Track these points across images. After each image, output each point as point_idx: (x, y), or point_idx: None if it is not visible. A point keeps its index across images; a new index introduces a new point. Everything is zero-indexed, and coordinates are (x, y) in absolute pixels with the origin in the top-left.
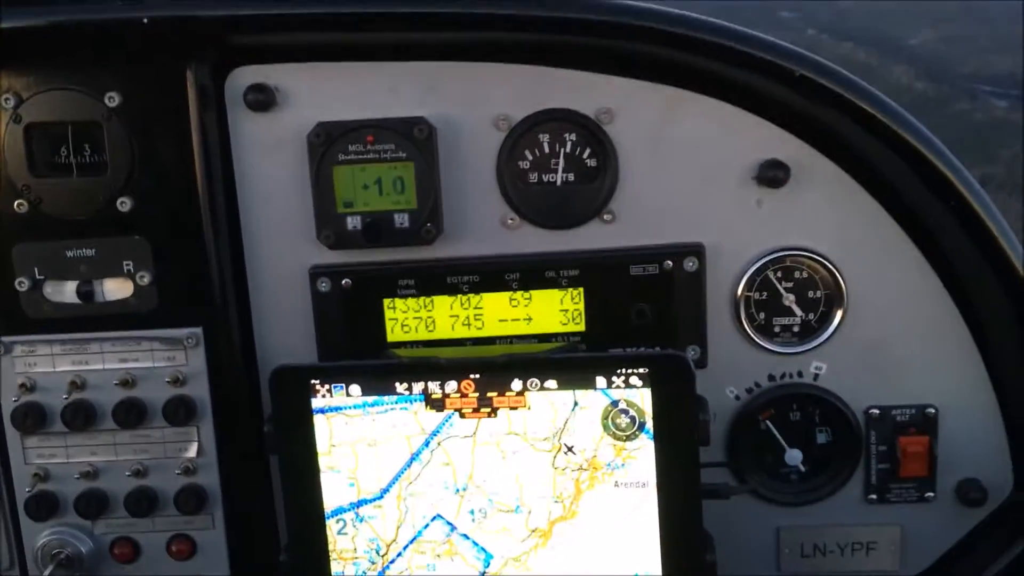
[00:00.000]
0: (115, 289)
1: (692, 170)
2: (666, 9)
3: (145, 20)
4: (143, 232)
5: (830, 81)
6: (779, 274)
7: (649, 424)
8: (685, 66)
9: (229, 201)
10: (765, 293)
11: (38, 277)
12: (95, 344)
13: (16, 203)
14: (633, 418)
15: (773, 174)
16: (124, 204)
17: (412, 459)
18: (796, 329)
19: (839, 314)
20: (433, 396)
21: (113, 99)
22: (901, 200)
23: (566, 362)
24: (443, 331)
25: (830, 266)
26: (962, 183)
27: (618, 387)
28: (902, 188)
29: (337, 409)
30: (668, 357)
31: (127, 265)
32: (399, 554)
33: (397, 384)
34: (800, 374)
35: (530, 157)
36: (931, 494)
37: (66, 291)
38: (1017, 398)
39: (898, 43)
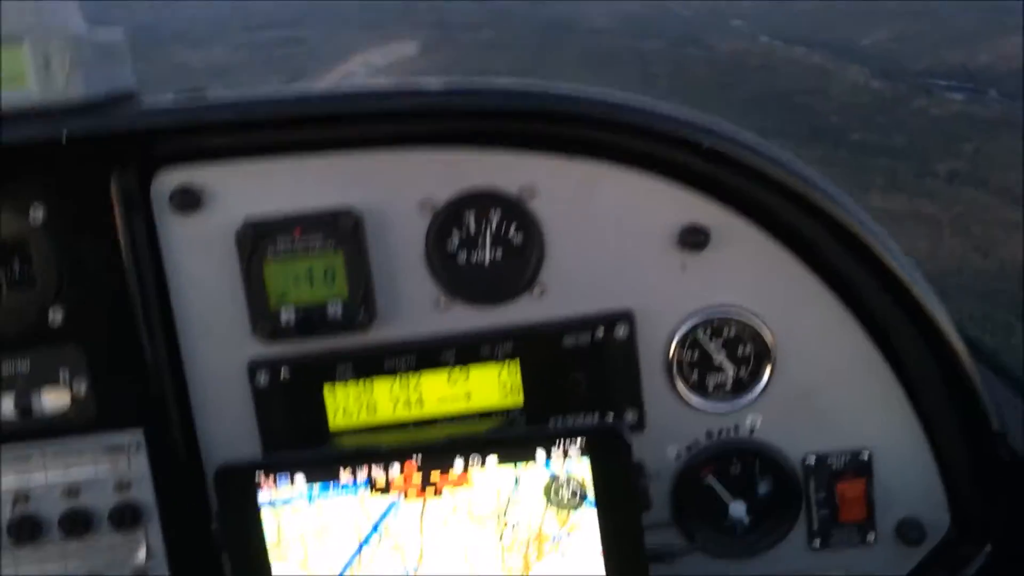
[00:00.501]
0: (53, 399)
1: (616, 239)
2: (577, 92)
3: (63, 140)
4: (77, 340)
5: (738, 151)
6: (708, 333)
7: (591, 494)
8: (601, 142)
9: (162, 302)
10: (696, 352)
11: None
12: (36, 456)
13: None
14: (575, 489)
15: (693, 238)
16: (56, 315)
17: (361, 546)
18: (729, 385)
19: (768, 368)
20: (377, 481)
21: (38, 213)
22: (816, 254)
23: (505, 439)
24: (385, 414)
25: (756, 322)
26: (869, 234)
27: (558, 459)
28: (815, 243)
29: (284, 502)
30: (603, 428)
31: (63, 374)
32: None
33: (341, 472)
34: (737, 428)
35: (457, 237)
36: (872, 536)
37: (3, 406)
38: (945, 435)
39: (850, 44)
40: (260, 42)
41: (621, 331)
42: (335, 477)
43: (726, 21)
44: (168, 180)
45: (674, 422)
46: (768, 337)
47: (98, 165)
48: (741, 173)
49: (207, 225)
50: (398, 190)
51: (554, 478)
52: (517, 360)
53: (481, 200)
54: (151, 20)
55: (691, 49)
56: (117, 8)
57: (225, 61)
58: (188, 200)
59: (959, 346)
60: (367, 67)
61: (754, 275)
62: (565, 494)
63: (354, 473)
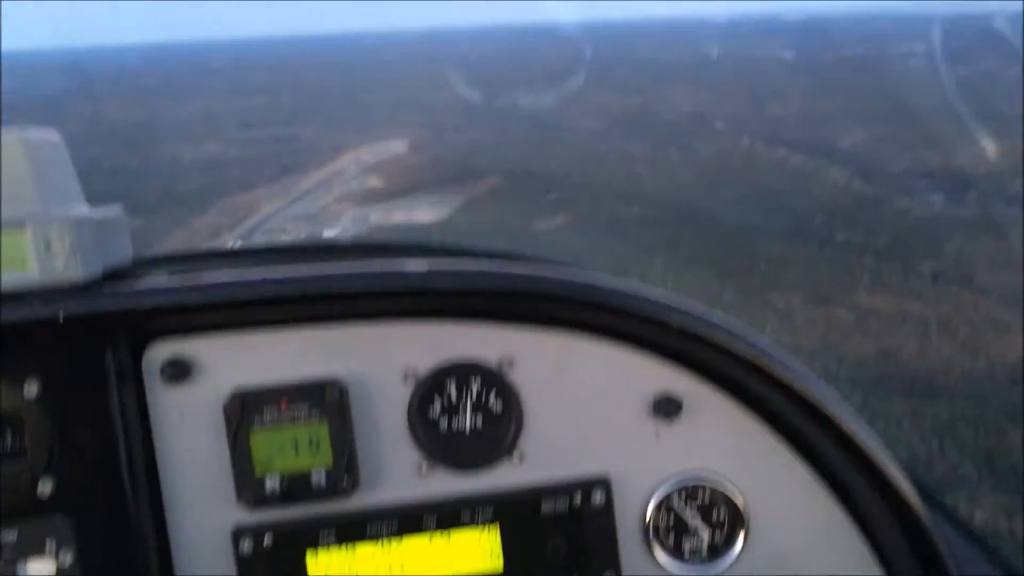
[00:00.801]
0: (39, 569)
1: (592, 408)
2: (554, 273)
3: (60, 320)
4: (65, 511)
5: (705, 330)
6: (683, 498)
7: None
8: (576, 317)
9: (150, 471)
10: (672, 517)
11: None
12: None
13: None
14: None
15: (666, 407)
16: (45, 487)
17: None
18: (705, 551)
19: (742, 532)
20: None
21: (32, 387)
22: (784, 423)
23: None
24: None
25: (729, 488)
26: (832, 406)
27: None
28: (783, 413)
29: None
30: None
31: (50, 545)
32: None
33: None
34: None
35: (439, 405)
36: None
37: None
38: None
39: (830, 146)
40: (253, 138)
41: (598, 497)
42: None
43: (709, 124)
44: (159, 352)
45: None
46: (740, 502)
47: (93, 341)
48: (709, 347)
49: (196, 395)
50: (382, 361)
51: None
52: (497, 525)
53: (462, 370)
54: (147, 115)
55: (674, 150)
56: (114, 104)
57: (218, 156)
58: (178, 372)
59: (920, 509)
60: (357, 164)
61: (726, 443)
62: None
63: None
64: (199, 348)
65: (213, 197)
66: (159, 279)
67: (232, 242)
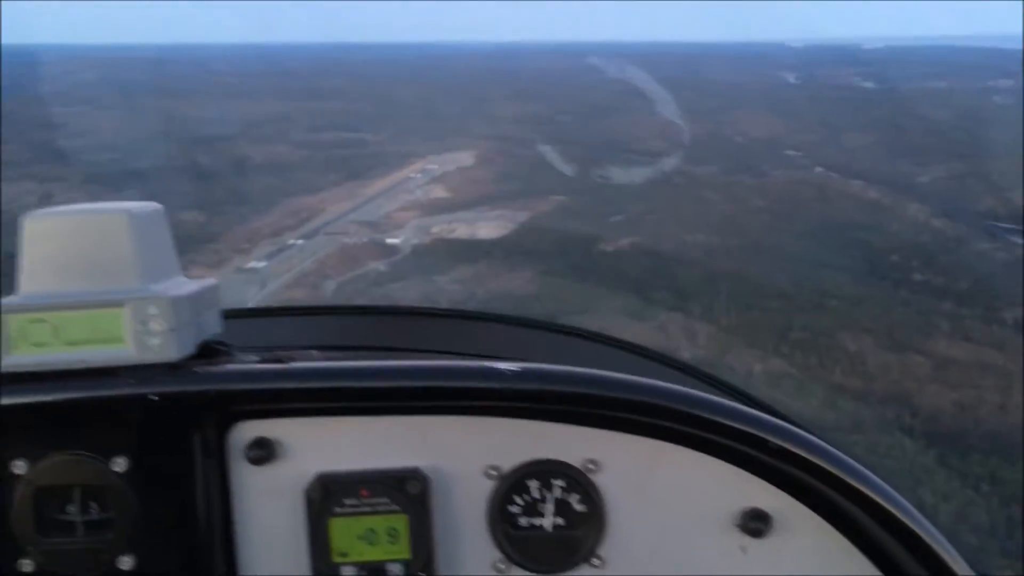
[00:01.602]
0: None
1: (677, 517)
2: (644, 381)
3: (155, 397)
4: None
5: (804, 450)
6: None
7: None
8: (667, 427)
9: (228, 550)
10: None
11: None
12: None
13: (21, 563)
14: None
15: (755, 523)
16: (126, 560)
17: None
18: None
19: None
20: None
21: (120, 463)
22: (871, 541)
23: None
24: None
25: None
26: (918, 524)
27: None
28: (869, 531)
29: None
30: None
31: None
32: None
33: None
34: None
35: (520, 504)
36: None
37: None
38: None
39: (909, 181)
40: (322, 142)
41: None
42: None
43: (781, 151)
44: (244, 432)
45: None
46: None
47: (182, 420)
48: (806, 471)
49: (278, 477)
50: (465, 455)
51: None
52: None
53: (546, 469)
54: (221, 115)
55: (744, 176)
56: (191, 102)
57: (285, 158)
58: (262, 453)
59: None
60: (423, 173)
61: (813, 560)
62: None
63: None
64: (284, 430)
65: (278, 198)
66: (249, 358)
67: (294, 242)
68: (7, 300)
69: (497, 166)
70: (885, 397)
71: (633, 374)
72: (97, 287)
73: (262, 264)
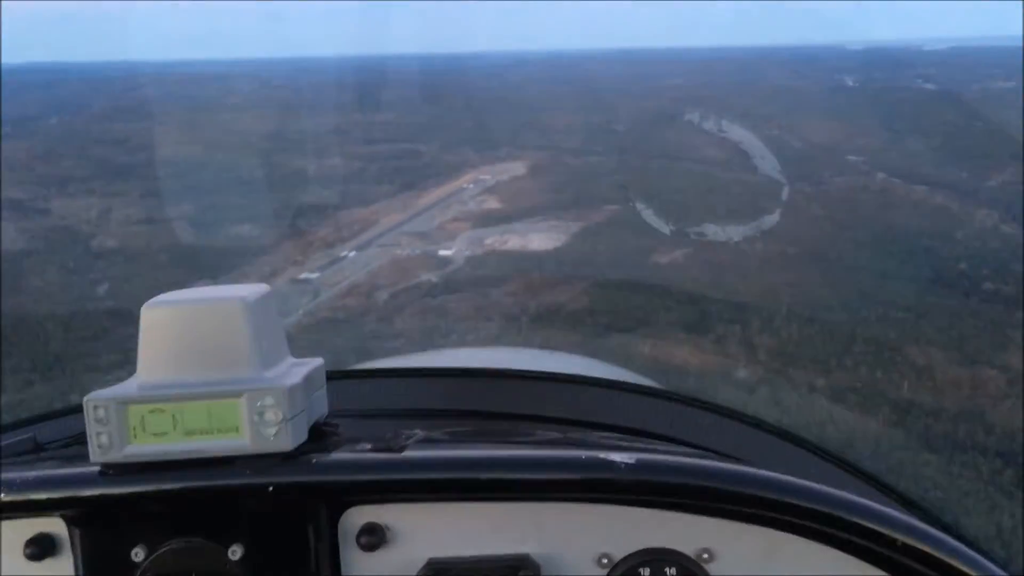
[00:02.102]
0: None
1: None
2: (760, 474)
3: (271, 488)
4: None
5: (932, 548)
6: None
7: None
8: (786, 519)
9: None
10: None
11: None
12: None
13: None
14: None
15: None
16: None
17: None
18: None
19: None
20: None
21: (236, 551)
22: None
23: None
24: None
25: None
26: None
27: None
28: None
29: None
30: None
31: None
32: None
33: None
34: None
35: None
36: None
37: None
38: None
39: (975, 185)
40: (376, 153)
41: None
42: None
43: (841, 156)
44: (356, 518)
45: None
46: None
47: (295, 508)
48: (933, 566)
49: (389, 562)
50: (577, 543)
51: None
52: None
53: (659, 559)
54: (278, 128)
55: (804, 184)
56: (249, 115)
57: (339, 170)
58: (373, 539)
59: None
60: (476, 184)
61: None
62: None
63: None
64: (395, 516)
65: (331, 210)
66: (361, 445)
67: (346, 253)
68: (127, 388)
69: (550, 176)
70: (957, 414)
71: (749, 449)
72: (213, 376)
73: (315, 275)
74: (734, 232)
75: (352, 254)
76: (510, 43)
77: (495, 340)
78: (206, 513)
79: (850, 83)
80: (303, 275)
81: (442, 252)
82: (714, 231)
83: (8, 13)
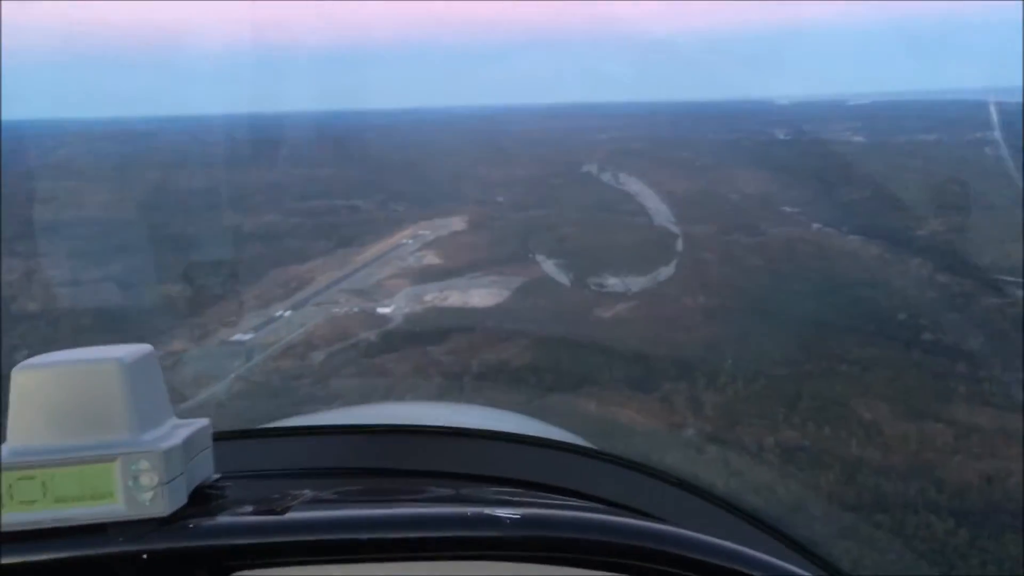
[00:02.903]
0: None
1: None
2: (659, 528)
3: (145, 556)
4: None
5: None
6: None
7: None
8: (678, 572)
9: None
10: None
11: None
12: None
13: None
14: None
15: None
16: None
17: None
18: None
19: None
20: None
21: None
22: None
23: None
24: None
25: None
26: None
27: None
28: None
29: None
30: None
31: None
32: None
33: None
34: None
35: None
36: None
37: None
38: None
39: (907, 235)
40: (313, 209)
41: None
42: None
43: (776, 207)
44: None
45: None
46: None
47: (174, 574)
48: None
49: None
50: None
51: None
52: None
53: None
54: (206, 184)
55: (741, 235)
56: (182, 172)
57: (276, 226)
58: None
59: None
60: (415, 239)
61: None
62: None
63: None
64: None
65: (266, 268)
66: (242, 507)
67: (281, 313)
68: None
69: (489, 231)
70: (907, 471)
71: (656, 503)
72: (88, 439)
73: (248, 336)
74: (637, 283)
75: (287, 313)
76: (446, 99)
77: (436, 400)
78: None
79: (780, 136)
80: (236, 336)
81: (380, 310)
82: (616, 282)
83: None
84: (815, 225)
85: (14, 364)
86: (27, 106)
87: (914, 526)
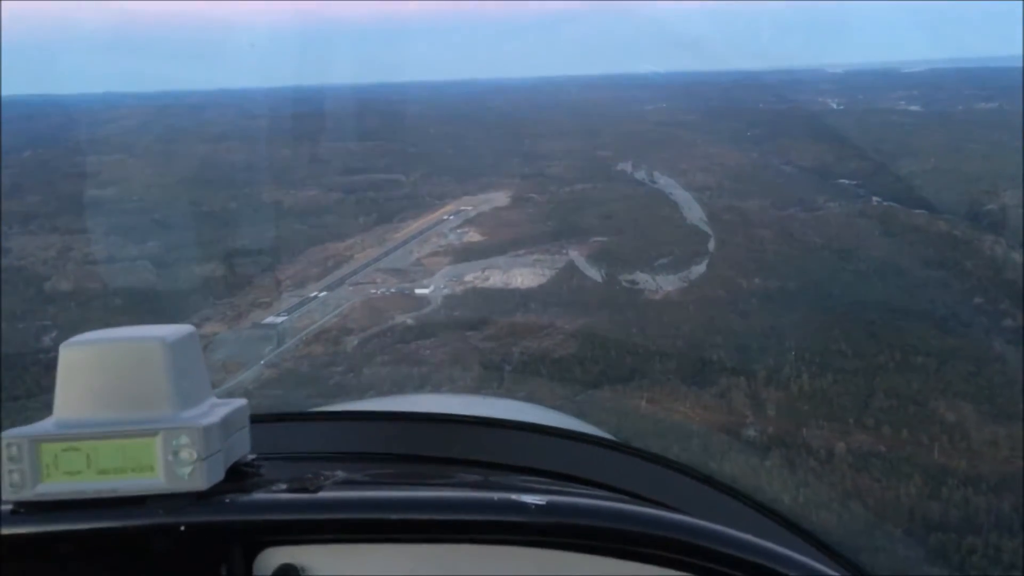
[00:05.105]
0: None
1: None
2: (680, 519)
3: (182, 528)
4: None
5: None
6: None
7: None
8: (700, 563)
9: None
10: None
11: None
12: None
13: None
14: None
15: None
16: None
17: None
18: None
19: None
20: None
21: None
22: None
23: None
24: None
25: None
26: None
27: None
28: None
29: None
30: None
31: None
32: None
33: None
34: None
35: None
36: None
37: None
38: None
39: (978, 208)
40: (354, 184)
41: None
42: None
43: (833, 180)
44: (271, 559)
45: None
46: None
47: (209, 548)
48: None
49: None
50: None
51: None
52: None
53: None
54: (255, 159)
55: (796, 209)
56: (226, 145)
57: (316, 201)
58: None
59: None
60: (457, 216)
61: None
62: None
63: None
64: (309, 557)
65: (304, 246)
66: (277, 485)
67: (316, 293)
68: (43, 427)
69: (534, 205)
70: (999, 483)
71: (681, 497)
72: (131, 415)
73: (280, 319)
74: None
75: (323, 294)
76: (487, 71)
77: (474, 393)
78: (118, 553)
79: (834, 106)
80: (268, 319)
81: (419, 291)
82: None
83: None
84: (875, 199)
85: (42, 345)
86: (82, 81)
87: (1011, 551)
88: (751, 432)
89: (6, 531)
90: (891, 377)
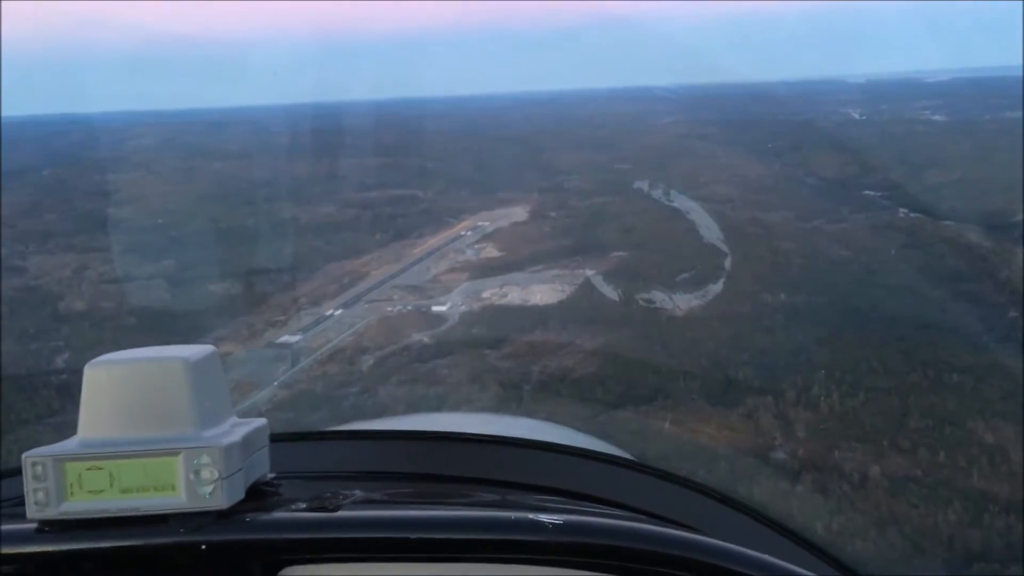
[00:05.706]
0: None
1: None
2: (697, 539)
3: (203, 546)
4: None
5: None
6: None
7: None
8: None
9: None
10: None
11: None
12: None
13: None
14: None
15: None
16: None
17: None
18: None
19: None
20: None
21: None
22: None
23: None
24: None
25: None
26: None
27: None
28: None
29: None
30: None
31: None
32: None
33: None
34: None
35: None
36: None
37: None
38: None
39: (1007, 219)
40: (371, 200)
41: None
42: None
43: (857, 192)
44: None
45: None
46: None
47: (229, 566)
48: None
49: None
50: None
51: None
52: None
53: None
54: (267, 176)
55: (820, 222)
56: (243, 162)
57: (332, 217)
58: None
59: None
60: (474, 231)
61: None
62: None
63: None
64: (329, 574)
65: (321, 262)
66: (297, 504)
67: (332, 311)
68: (67, 446)
69: (552, 220)
70: None
71: (699, 517)
72: (153, 434)
73: (295, 339)
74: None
75: (338, 312)
76: (504, 85)
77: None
78: (140, 571)
79: (856, 116)
80: (283, 338)
81: (436, 308)
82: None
83: (8, 65)
84: (902, 210)
85: (55, 366)
86: (102, 100)
87: None
88: (780, 455)
89: (32, 549)
90: (926, 396)
